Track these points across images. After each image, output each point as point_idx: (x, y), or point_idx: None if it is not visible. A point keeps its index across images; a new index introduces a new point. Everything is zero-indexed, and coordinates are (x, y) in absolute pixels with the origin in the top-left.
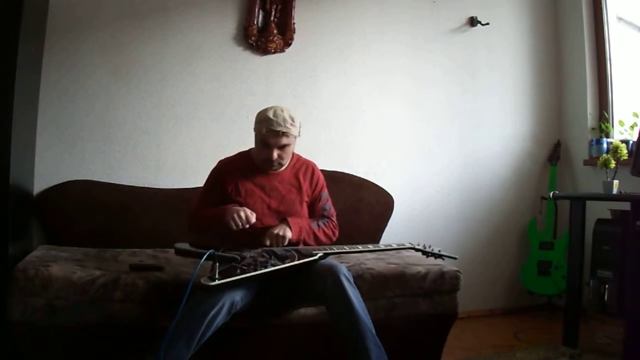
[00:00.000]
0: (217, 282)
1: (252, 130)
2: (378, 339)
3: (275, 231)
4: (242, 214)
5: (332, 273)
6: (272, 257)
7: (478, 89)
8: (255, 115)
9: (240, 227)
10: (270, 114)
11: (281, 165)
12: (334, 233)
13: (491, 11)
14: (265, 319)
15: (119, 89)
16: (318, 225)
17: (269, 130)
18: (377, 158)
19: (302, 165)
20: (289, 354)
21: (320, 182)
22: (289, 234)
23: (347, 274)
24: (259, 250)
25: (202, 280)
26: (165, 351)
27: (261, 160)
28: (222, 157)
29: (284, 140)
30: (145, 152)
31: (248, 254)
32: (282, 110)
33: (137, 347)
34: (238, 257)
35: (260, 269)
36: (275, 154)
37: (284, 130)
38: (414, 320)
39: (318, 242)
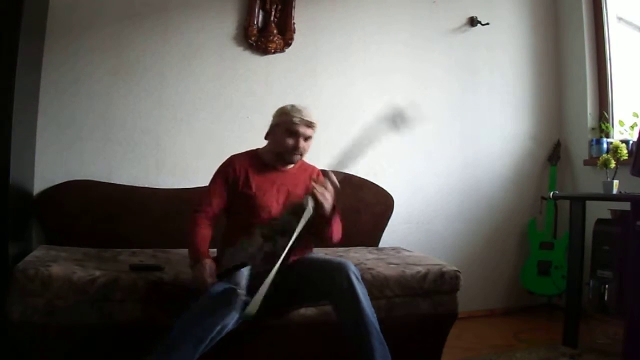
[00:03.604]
0: (254, 308)
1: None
2: (382, 337)
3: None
4: (203, 282)
5: (341, 270)
6: (275, 235)
7: (478, 89)
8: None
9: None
10: (298, 106)
11: (301, 156)
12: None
13: (491, 11)
14: (265, 319)
15: (119, 89)
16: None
17: (301, 119)
18: (377, 158)
19: (308, 168)
20: (288, 354)
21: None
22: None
23: (355, 271)
24: (259, 240)
25: (245, 315)
26: (170, 350)
27: (285, 149)
28: (222, 157)
29: (309, 132)
30: (145, 152)
31: (250, 248)
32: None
33: (137, 347)
34: (247, 262)
35: (274, 262)
36: (302, 143)
37: (313, 121)
38: (414, 320)
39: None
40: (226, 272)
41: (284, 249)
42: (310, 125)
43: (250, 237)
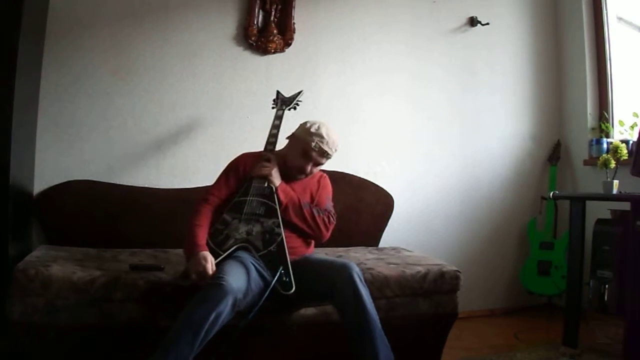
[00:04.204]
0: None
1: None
2: (385, 337)
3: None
4: (200, 270)
5: (345, 272)
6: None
7: (478, 88)
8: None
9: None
10: (324, 132)
11: (305, 177)
12: (324, 221)
13: (491, 11)
14: (265, 319)
15: (119, 89)
16: (308, 205)
17: (319, 147)
18: (377, 158)
19: (316, 174)
20: (288, 354)
21: (327, 189)
22: (276, 178)
23: (359, 272)
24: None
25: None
26: (169, 345)
27: (294, 166)
28: (222, 157)
29: (322, 161)
30: (145, 152)
31: (236, 234)
32: (334, 133)
33: (137, 347)
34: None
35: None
36: (310, 167)
37: (330, 153)
38: (414, 320)
39: (302, 217)
40: (220, 262)
41: (277, 227)
42: (326, 155)
43: (227, 225)
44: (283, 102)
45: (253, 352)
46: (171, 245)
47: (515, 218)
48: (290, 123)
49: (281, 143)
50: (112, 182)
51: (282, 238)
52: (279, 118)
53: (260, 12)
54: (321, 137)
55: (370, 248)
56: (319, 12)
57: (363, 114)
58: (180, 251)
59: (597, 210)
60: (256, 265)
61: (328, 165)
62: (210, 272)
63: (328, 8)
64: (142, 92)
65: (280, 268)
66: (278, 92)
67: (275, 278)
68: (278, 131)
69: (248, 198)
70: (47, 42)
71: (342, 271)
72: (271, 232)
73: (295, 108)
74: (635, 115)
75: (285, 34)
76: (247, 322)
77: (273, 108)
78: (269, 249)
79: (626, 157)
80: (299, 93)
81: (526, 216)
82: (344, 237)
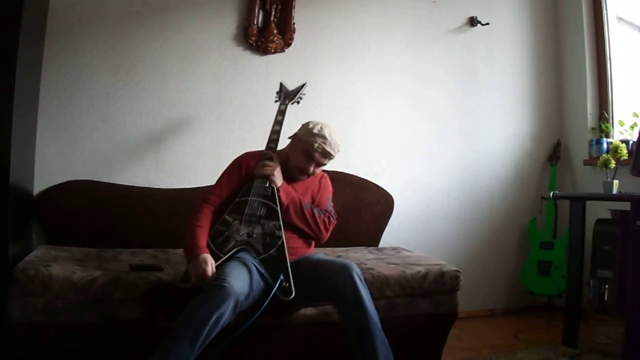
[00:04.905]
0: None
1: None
2: (385, 338)
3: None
4: (200, 273)
5: (345, 270)
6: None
7: (478, 89)
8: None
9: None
10: (327, 133)
11: (307, 177)
12: (324, 222)
13: (491, 11)
14: (266, 319)
15: (119, 89)
16: (309, 206)
17: (322, 148)
18: (377, 158)
19: (318, 174)
20: (288, 354)
21: (327, 190)
22: (278, 178)
23: (359, 273)
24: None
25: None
26: (170, 346)
27: (296, 167)
28: (222, 157)
29: (325, 162)
30: (145, 152)
31: (237, 236)
32: (336, 134)
33: (137, 347)
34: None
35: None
36: (312, 168)
37: (333, 154)
38: (414, 320)
39: (303, 217)
40: (221, 263)
41: (277, 229)
42: (328, 156)
43: (228, 227)
44: (286, 96)
45: (253, 352)
46: (171, 245)
47: (515, 218)
48: (292, 123)
49: (282, 143)
50: (112, 182)
51: (282, 241)
52: (281, 113)
53: (260, 12)
54: (324, 138)
55: (370, 248)
56: (319, 12)
57: (363, 114)
58: (180, 251)
59: (597, 210)
60: (257, 266)
61: (328, 165)
62: (210, 274)
63: (328, 8)
64: (142, 92)
65: (280, 275)
66: (281, 84)
67: (276, 286)
68: (280, 127)
69: (249, 198)
70: (47, 42)
71: (343, 271)
72: (272, 235)
73: (298, 102)
74: (635, 115)
75: (285, 34)
76: (248, 325)
77: (276, 102)
78: (270, 252)
79: (626, 157)
80: (303, 86)
81: (526, 216)
82: (344, 237)
